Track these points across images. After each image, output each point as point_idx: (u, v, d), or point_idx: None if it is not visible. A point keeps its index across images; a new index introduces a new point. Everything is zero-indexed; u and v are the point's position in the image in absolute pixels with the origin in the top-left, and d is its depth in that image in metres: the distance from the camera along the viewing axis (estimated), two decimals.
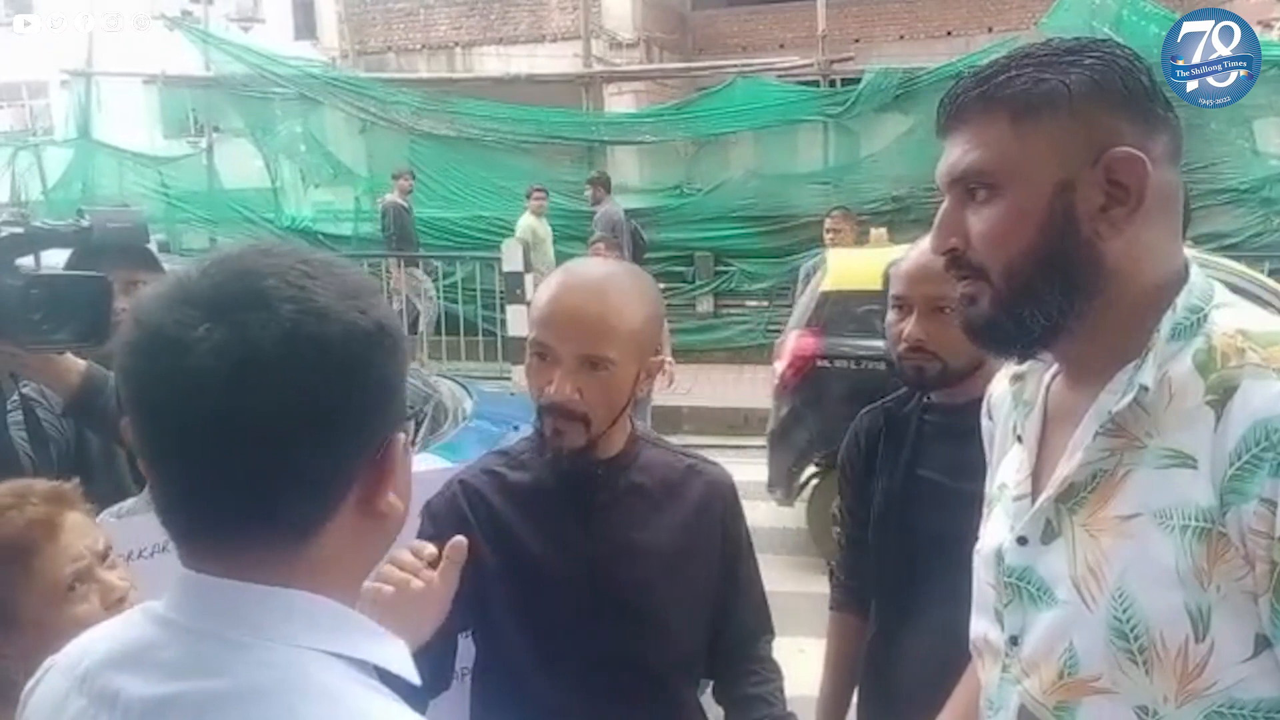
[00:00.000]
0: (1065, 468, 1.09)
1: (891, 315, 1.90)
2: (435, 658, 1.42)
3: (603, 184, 10.33)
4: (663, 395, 8.67)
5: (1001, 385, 1.32)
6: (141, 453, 0.80)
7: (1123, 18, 10.02)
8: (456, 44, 16.89)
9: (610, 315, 1.50)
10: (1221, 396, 0.97)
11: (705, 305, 11.20)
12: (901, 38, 16.60)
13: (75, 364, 1.89)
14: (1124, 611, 1.00)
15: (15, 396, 1.99)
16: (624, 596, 1.58)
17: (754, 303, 11.13)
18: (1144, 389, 1.02)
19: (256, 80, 12.66)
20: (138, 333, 0.78)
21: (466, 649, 1.65)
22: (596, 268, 1.65)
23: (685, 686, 1.71)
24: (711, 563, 1.67)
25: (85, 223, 1.75)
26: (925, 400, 1.94)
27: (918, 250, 1.85)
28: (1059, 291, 1.05)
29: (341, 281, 0.80)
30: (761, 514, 5.37)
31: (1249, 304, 1.08)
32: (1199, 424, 0.98)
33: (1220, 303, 1.06)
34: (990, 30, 15.60)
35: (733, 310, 11.24)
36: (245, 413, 0.74)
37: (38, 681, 0.88)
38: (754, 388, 9.18)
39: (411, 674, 0.84)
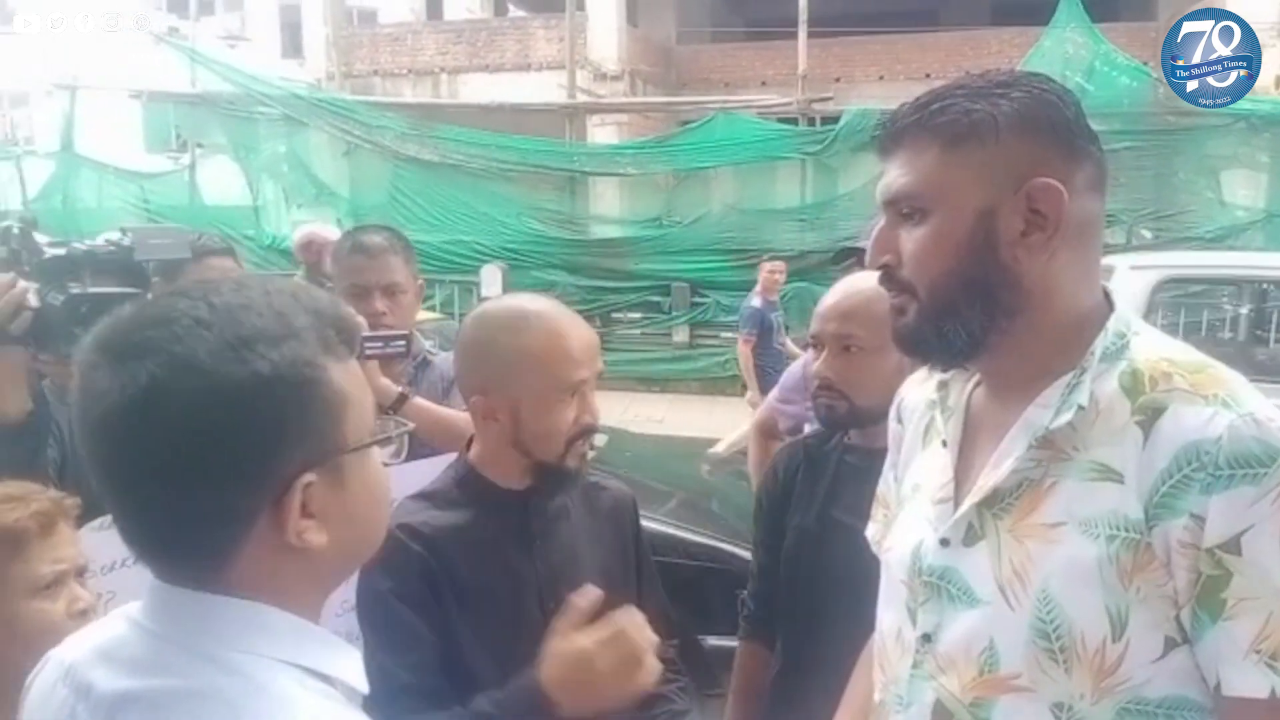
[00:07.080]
0: (991, 475, 1.14)
1: (810, 354, 1.93)
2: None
3: None
4: (637, 424, 8.74)
5: (915, 391, 1.37)
6: None
7: (1095, 68, 10.25)
8: (443, 70, 17.01)
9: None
10: (1150, 417, 1.04)
11: (681, 335, 11.30)
12: (881, 78, 16.84)
13: None
14: (1048, 612, 1.06)
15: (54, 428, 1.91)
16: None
17: (729, 334, 11.23)
18: (1080, 408, 1.08)
19: (241, 99, 12.69)
20: (78, 366, 0.84)
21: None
22: None
23: None
24: (629, 571, 1.77)
25: (126, 241, 1.78)
26: (846, 440, 1.94)
27: (832, 290, 1.89)
28: (980, 310, 1.11)
29: (238, 329, 0.81)
30: None
31: (1160, 333, 1.16)
32: (1126, 441, 1.05)
33: (1137, 330, 1.13)
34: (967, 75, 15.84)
35: (708, 341, 11.35)
36: (113, 455, 0.81)
37: (38, 671, 0.94)
38: (727, 417, 9.27)
39: (361, 683, 0.91)
